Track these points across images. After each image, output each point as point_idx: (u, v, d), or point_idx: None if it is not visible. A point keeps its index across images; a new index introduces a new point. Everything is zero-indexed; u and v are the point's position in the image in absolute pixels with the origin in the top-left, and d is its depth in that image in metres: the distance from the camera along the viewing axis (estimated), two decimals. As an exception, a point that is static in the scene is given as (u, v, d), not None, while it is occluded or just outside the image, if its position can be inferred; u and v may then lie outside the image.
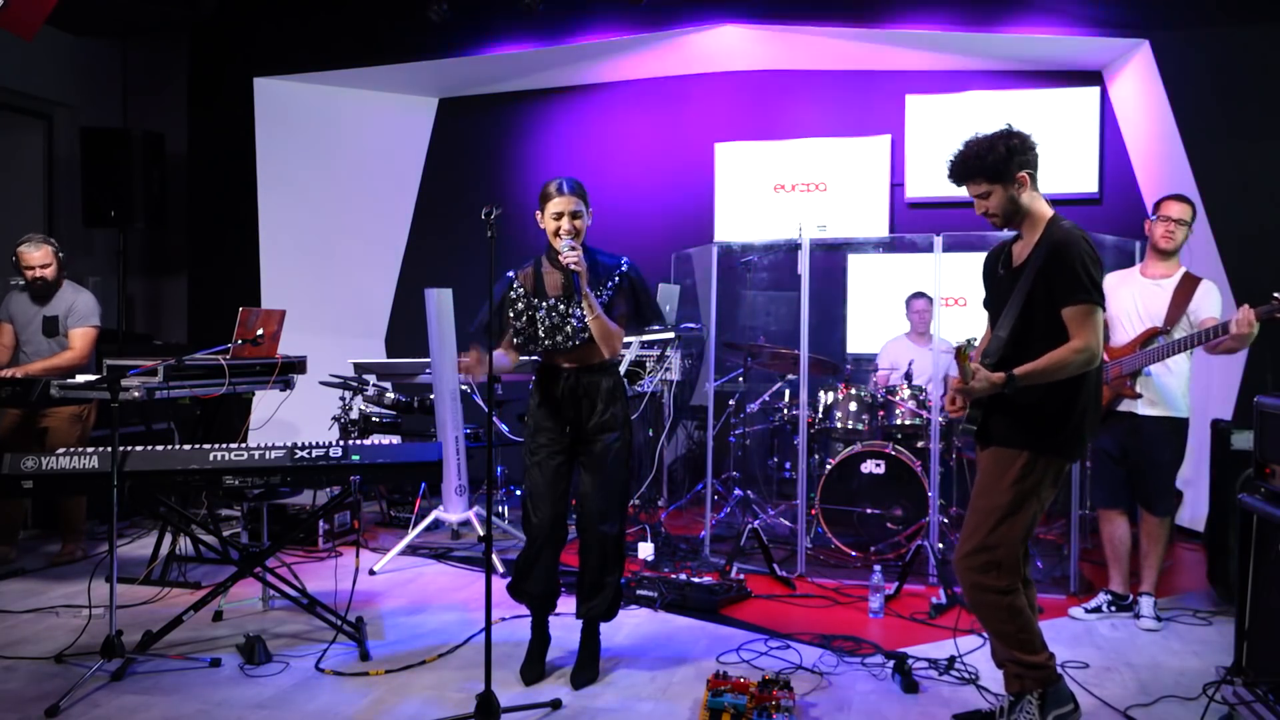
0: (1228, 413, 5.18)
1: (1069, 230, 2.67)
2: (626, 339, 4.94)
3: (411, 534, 5.01)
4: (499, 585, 3.36)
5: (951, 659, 3.38)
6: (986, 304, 2.94)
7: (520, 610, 3.68)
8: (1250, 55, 5.32)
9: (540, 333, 3.19)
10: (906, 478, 4.80)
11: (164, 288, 7.86)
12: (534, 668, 3.29)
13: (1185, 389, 3.92)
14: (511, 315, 3.25)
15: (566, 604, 3.45)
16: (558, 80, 7.26)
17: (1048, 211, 2.75)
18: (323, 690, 3.19)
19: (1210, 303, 3.83)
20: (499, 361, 3.29)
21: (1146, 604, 3.95)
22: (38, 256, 4.68)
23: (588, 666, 3.29)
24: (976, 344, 2.85)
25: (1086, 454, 2.80)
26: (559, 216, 3.14)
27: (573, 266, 3.06)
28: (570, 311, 3.16)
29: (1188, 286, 3.87)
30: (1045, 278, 2.64)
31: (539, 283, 3.25)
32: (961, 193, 2.82)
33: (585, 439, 3.24)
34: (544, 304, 3.20)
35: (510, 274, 3.30)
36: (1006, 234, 2.88)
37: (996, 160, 2.66)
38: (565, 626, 3.56)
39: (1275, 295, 3.52)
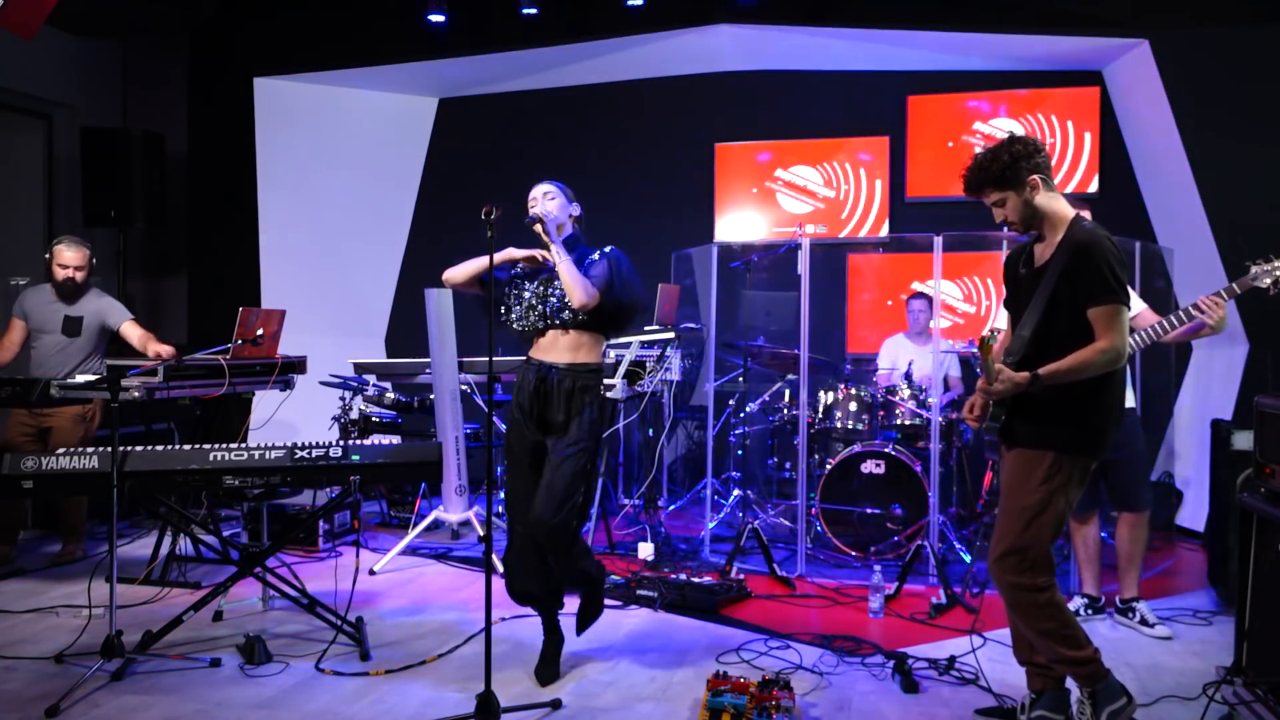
0: (1228, 413, 5.18)
1: (1092, 232, 2.67)
2: (626, 339, 4.95)
3: (411, 534, 5.01)
4: (499, 585, 3.36)
5: (951, 659, 3.38)
6: (1007, 304, 2.95)
7: (519, 610, 3.70)
8: (1250, 55, 5.31)
9: (523, 308, 3.26)
10: (906, 478, 4.80)
11: (164, 288, 7.85)
12: (549, 668, 3.29)
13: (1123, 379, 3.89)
14: (507, 288, 3.34)
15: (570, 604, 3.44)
16: (558, 80, 7.25)
17: (1069, 212, 2.75)
18: (323, 690, 3.19)
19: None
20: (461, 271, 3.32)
21: (1145, 609, 3.92)
22: (74, 258, 4.71)
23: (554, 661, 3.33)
24: (999, 336, 2.87)
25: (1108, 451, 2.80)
26: (533, 201, 3.29)
27: (534, 213, 3.21)
28: (550, 291, 3.24)
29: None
30: (1069, 279, 2.65)
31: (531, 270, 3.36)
32: (961, 192, 2.83)
33: (546, 443, 3.22)
34: (532, 284, 3.29)
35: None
36: (1006, 233, 2.89)
37: (1003, 167, 2.69)
38: (566, 627, 3.54)
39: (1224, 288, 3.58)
